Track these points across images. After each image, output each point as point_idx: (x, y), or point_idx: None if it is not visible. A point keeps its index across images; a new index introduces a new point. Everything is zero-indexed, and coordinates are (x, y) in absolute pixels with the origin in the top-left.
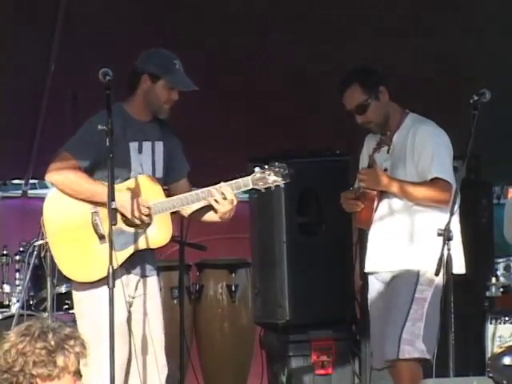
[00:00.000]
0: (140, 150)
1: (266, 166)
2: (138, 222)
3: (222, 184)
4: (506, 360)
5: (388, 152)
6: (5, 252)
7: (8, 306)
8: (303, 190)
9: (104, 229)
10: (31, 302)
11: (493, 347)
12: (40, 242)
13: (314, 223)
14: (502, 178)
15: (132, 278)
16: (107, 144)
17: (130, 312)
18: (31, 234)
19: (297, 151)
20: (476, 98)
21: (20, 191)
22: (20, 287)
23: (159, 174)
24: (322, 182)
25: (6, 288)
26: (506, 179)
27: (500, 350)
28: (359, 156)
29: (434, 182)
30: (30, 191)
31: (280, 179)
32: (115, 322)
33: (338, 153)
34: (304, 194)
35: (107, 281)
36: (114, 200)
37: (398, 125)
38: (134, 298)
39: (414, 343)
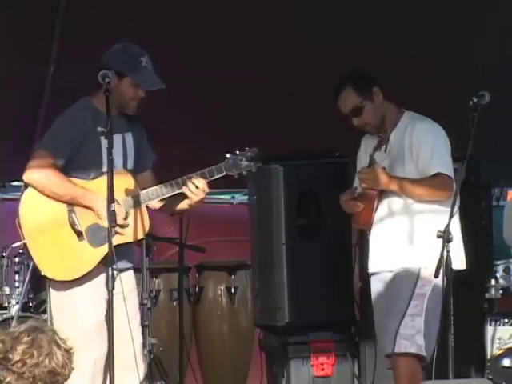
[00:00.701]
0: (111, 144)
1: (238, 152)
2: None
3: (194, 174)
4: (506, 362)
5: (385, 151)
6: (4, 254)
7: (7, 308)
8: (303, 192)
9: (81, 226)
10: (30, 304)
11: (492, 349)
12: (18, 243)
13: (313, 225)
14: (501, 180)
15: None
16: (107, 146)
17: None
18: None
19: (296, 153)
20: (475, 100)
21: (19, 193)
22: (19, 289)
23: (131, 165)
24: (321, 184)
25: (6, 290)
26: (505, 181)
27: (499, 352)
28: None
29: (435, 177)
30: None
31: (252, 163)
32: (94, 320)
33: (337, 155)
34: (303, 196)
35: (108, 285)
36: (113, 202)
37: (395, 124)
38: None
39: (414, 338)
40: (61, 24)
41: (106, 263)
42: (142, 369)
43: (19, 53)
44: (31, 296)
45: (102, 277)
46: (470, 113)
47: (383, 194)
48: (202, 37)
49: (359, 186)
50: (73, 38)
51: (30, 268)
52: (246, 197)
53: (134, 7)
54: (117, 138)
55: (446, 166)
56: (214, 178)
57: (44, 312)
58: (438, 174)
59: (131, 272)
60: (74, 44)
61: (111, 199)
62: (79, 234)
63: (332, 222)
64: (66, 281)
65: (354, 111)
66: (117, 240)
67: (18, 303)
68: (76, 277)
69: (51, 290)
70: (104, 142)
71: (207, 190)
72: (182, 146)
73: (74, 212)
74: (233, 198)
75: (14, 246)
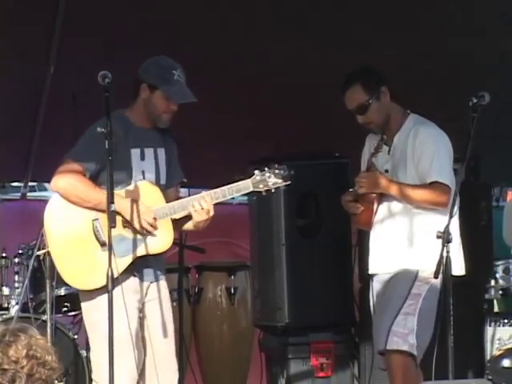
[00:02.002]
0: (142, 157)
1: (266, 169)
2: (141, 230)
3: (206, 193)
4: (505, 362)
5: (389, 153)
6: (4, 254)
7: (7, 309)
8: (302, 193)
9: (105, 236)
10: (30, 305)
11: (492, 350)
12: (41, 251)
13: (313, 226)
14: (501, 181)
15: (142, 284)
16: (107, 146)
17: (141, 318)
18: (30, 236)
19: (296, 154)
20: (475, 100)
21: (19, 194)
22: (19, 290)
23: (163, 180)
24: (321, 185)
25: (5, 290)
26: (505, 182)
27: (499, 353)
28: (360, 156)
29: (433, 186)
30: (29, 194)
31: (280, 181)
32: (124, 327)
33: (337, 155)
34: (303, 197)
35: (108, 285)
36: (113, 202)
37: (399, 126)
38: (144, 303)
39: (406, 337)
40: (61, 24)
41: (134, 273)
42: (175, 374)
43: (19, 53)
44: (31, 297)
45: (128, 285)
46: (470, 113)
47: (383, 196)
48: (199, 35)
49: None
50: (73, 37)
51: (30, 268)
52: (246, 197)
53: (135, 6)
54: (149, 152)
55: (444, 175)
56: (240, 194)
57: (44, 312)
58: (435, 183)
59: (162, 283)
60: (74, 44)
61: (111, 199)
62: (103, 244)
63: (332, 222)
64: (90, 290)
65: (360, 108)
66: (141, 252)
67: (17, 304)
68: (100, 285)
69: (82, 304)
70: (134, 155)
71: (213, 211)
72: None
73: (99, 222)
74: (232, 198)
75: (37, 253)
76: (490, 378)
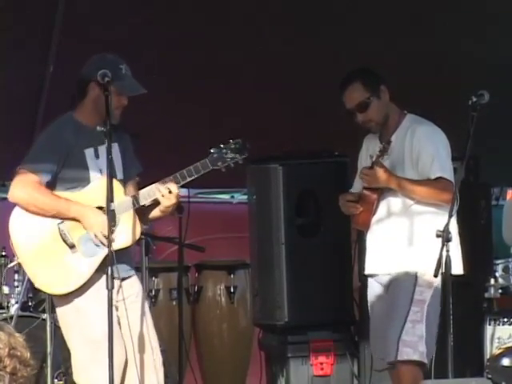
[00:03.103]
0: (97, 156)
1: (222, 145)
2: (96, 240)
3: (168, 178)
4: (505, 361)
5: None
6: (3, 253)
7: (7, 308)
8: (302, 192)
9: (72, 238)
10: (30, 304)
11: (491, 348)
12: (12, 263)
13: (312, 224)
14: (500, 180)
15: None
16: (106, 145)
17: (118, 316)
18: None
19: (295, 153)
20: (474, 99)
21: None
22: (18, 289)
23: (120, 175)
24: (320, 184)
25: (5, 289)
26: (504, 180)
27: (499, 352)
28: (358, 156)
29: (438, 181)
30: None
31: (238, 155)
32: (102, 327)
33: (336, 154)
34: (302, 196)
35: (108, 284)
36: (112, 201)
37: (397, 125)
38: (117, 301)
39: (416, 345)
40: (60, 23)
41: (103, 270)
42: (160, 369)
43: (18, 52)
44: (30, 295)
45: (102, 283)
46: (470, 112)
47: (382, 196)
48: (199, 36)
49: (361, 184)
50: (72, 37)
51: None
52: (246, 196)
53: (135, 6)
54: (102, 149)
55: (446, 171)
56: (200, 174)
57: (43, 311)
58: (439, 178)
59: (134, 278)
60: (73, 43)
61: (110, 198)
62: (72, 246)
63: (331, 221)
64: (65, 294)
65: (360, 106)
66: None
67: (17, 303)
68: (73, 289)
69: (56, 309)
70: (89, 155)
71: (178, 195)
72: (174, 149)
73: (64, 224)
74: (232, 197)
75: (9, 266)
76: (489, 376)
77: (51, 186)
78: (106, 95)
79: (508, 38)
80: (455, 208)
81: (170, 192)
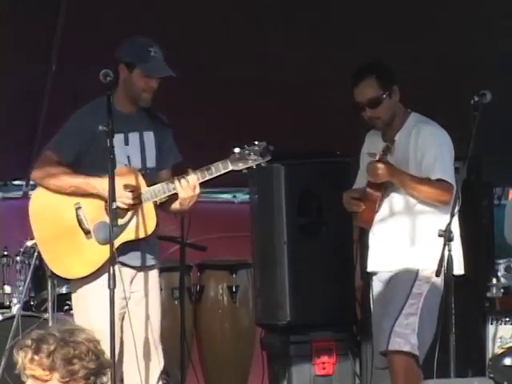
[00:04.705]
0: (126, 142)
1: (246, 146)
2: (122, 205)
3: (192, 171)
4: (507, 361)
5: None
6: (6, 253)
7: (9, 307)
8: (304, 191)
9: (88, 223)
10: (32, 303)
11: (493, 348)
12: (30, 242)
13: (314, 224)
14: (502, 179)
15: (126, 272)
16: (108, 145)
17: (123, 307)
18: (32, 235)
19: (297, 152)
20: (477, 99)
21: (21, 192)
22: (21, 288)
23: (151, 163)
24: (322, 183)
25: (7, 289)
26: (506, 180)
27: (501, 351)
28: (360, 155)
29: (438, 182)
30: (30, 192)
31: (260, 158)
32: (105, 317)
33: (338, 154)
34: (305, 195)
35: (110, 283)
36: (114, 201)
37: (401, 124)
38: (131, 292)
39: (408, 337)
40: (62, 22)
41: (119, 260)
42: (161, 359)
43: (20, 52)
44: (33, 295)
45: (116, 274)
46: (471, 112)
47: (385, 194)
48: (201, 36)
49: (365, 179)
50: (74, 36)
51: (32, 267)
52: (248, 196)
53: (136, 6)
54: (133, 136)
55: (447, 173)
56: (220, 174)
57: (45, 311)
58: (439, 180)
59: (154, 271)
60: (75, 43)
61: (112, 198)
62: (87, 232)
63: (333, 220)
64: (78, 279)
65: (372, 102)
66: (126, 236)
67: (19, 302)
68: (83, 275)
69: (72, 294)
70: (118, 140)
71: (198, 189)
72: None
73: (82, 210)
74: (234, 197)
75: (28, 244)
76: (491, 376)
77: (73, 167)
78: (107, 95)
79: (509, 38)
80: (457, 208)
81: (188, 183)
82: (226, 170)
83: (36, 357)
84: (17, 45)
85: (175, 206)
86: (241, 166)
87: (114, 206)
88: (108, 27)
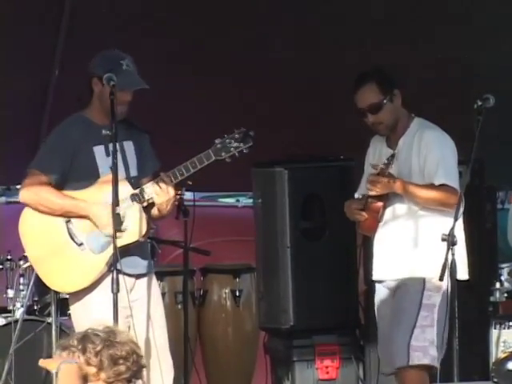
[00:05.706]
0: (108, 153)
1: (226, 135)
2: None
3: (164, 173)
4: (510, 365)
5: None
6: (9, 257)
7: (12, 311)
8: (307, 195)
9: (80, 236)
10: (35, 307)
11: (497, 352)
12: (27, 264)
13: (317, 228)
14: (506, 183)
15: (126, 280)
16: (111, 149)
17: (126, 316)
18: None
19: (301, 156)
20: (480, 103)
21: None
22: (24, 292)
23: (134, 172)
24: (326, 188)
25: (10, 293)
26: (510, 184)
27: (504, 355)
28: (364, 159)
29: (442, 188)
30: None
31: (242, 144)
32: (109, 321)
33: (342, 158)
34: (308, 199)
35: (113, 288)
36: (118, 205)
37: (404, 129)
38: (132, 301)
39: (427, 349)
40: (66, 25)
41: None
42: (171, 368)
43: (23, 55)
44: (36, 299)
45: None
46: (475, 116)
47: (388, 203)
48: (201, 36)
49: (367, 190)
50: (77, 39)
51: (35, 271)
52: (251, 200)
53: (137, 9)
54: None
55: (451, 178)
56: (204, 165)
57: (49, 315)
58: (443, 185)
59: (151, 276)
60: (78, 46)
61: (116, 203)
62: (80, 244)
63: (336, 224)
64: (76, 292)
65: (373, 108)
66: (120, 242)
67: (22, 306)
68: (83, 286)
69: (70, 307)
70: (98, 153)
71: (173, 191)
72: (183, 149)
73: (72, 223)
74: (237, 201)
75: (23, 266)
76: (495, 380)
77: (60, 185)
78: (111, 99)
79: (508, 44)
80: (460, 212)
81: (160, 188)
82: (210, 161)
83: (83, 357)
84: (20, 48)
85: (154, 212)
86: (224, 155)
87: (118, 211)
88: (111, 31)
